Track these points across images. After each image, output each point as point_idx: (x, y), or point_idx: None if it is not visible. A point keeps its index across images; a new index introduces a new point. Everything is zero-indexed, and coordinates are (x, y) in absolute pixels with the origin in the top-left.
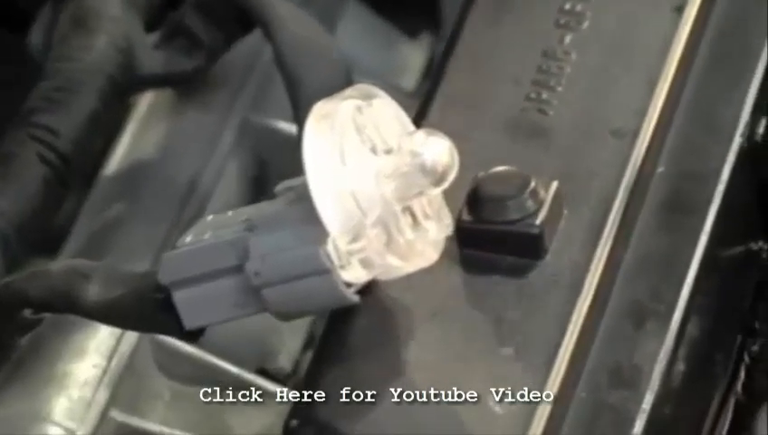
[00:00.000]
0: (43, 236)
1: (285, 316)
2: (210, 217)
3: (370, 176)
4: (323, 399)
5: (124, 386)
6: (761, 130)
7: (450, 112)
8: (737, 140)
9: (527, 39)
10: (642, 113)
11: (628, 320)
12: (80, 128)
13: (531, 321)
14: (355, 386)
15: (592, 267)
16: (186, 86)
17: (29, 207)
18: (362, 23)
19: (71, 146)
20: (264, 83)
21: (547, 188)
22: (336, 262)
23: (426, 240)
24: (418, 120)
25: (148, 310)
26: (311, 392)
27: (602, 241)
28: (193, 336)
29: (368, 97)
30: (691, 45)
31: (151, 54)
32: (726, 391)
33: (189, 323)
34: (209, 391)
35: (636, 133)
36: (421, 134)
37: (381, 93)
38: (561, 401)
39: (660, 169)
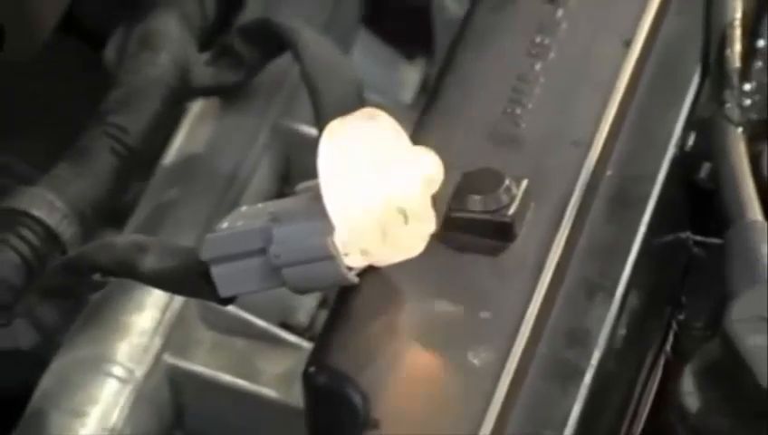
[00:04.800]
0: (112, 213)
1: (300, 291)
2: (244, 208)
3: (372, 183)
4: (336, 349)
5: (174, 334)
6: (690, 142)
7: (442, 123)
8: (671, 150)
9: (505, 65)
10: (596, 127)
11: (581, 292)
12: (145, 127)
13: (503, 291)
14: (361, 340)
15: (553, 250)
16: (229, 95)
17: (102, 191)
18: (371, 47)
19: (137, 141)
20: (293, 94)
21: (518, 185)
22: (339, 251)
23: (413, 235)
24: (417, 129)
25: (192, 280)
26: (326, 344)
27: (561, 229)
28: (226, 301)
29: (372, 118)
30: (636, 72)
31: (203, 69)
32: (658, 352)
33: (224, 292)
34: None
35: (590, 143)
36: (416, 151)
37: (383, 114)
38: (526, 356)
39: (609, 173)
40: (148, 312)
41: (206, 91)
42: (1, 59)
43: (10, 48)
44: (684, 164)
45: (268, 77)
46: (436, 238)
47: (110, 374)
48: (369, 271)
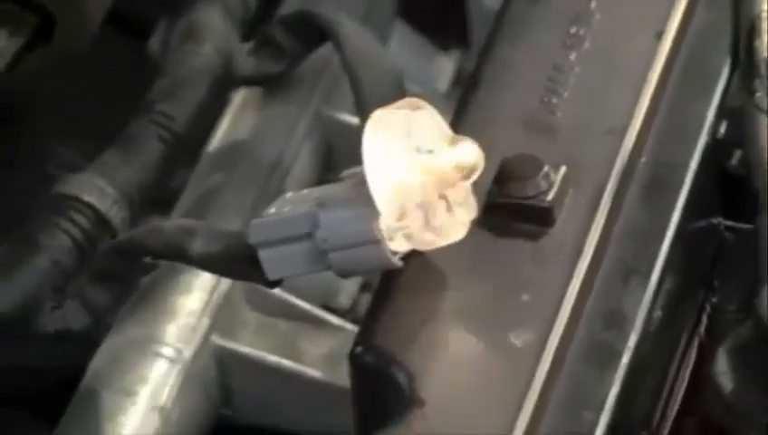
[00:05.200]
0: (160, 199)
1: (346, 275)
2: (289, 194)
3: (415, 170)
4: (381, 330)
5: (221, 316)
6: (722, 130)
7: (480, 113)
8: (703, 138)
9: (540, 55)
10: (630, 115)
11: (618, 276)
12: (190, 114)
13: (543, 275)
14: (405, 322)
15: (590, 235)
16: (272, 85)
17: (150, 177)
18: (406, 39)
19: (183, 128)
20: (334, 83)
21: (557, 172)
22: (384, 235)
23: (455, 221)
24: (456, 119)
25: (240, 263)
26: (371, 325)
27: (599, 214)
28: (273, 284)
29: (415, 108)
30: (668, 63)
31: (246, 60)
32: (692, 334)
33: (271, 275)
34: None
35: (624, 131)
36: (456, 139)
37: (426, 105)
38: (566, 337)
39: (644, 160)
40: (196, 293)
41: (248, 81)
42: (51, 50)
43: (61, 39)
44: (716, 151)
45: (309, 67)
46: (477, 223)
47: (159, 354)
48: (412, 255)
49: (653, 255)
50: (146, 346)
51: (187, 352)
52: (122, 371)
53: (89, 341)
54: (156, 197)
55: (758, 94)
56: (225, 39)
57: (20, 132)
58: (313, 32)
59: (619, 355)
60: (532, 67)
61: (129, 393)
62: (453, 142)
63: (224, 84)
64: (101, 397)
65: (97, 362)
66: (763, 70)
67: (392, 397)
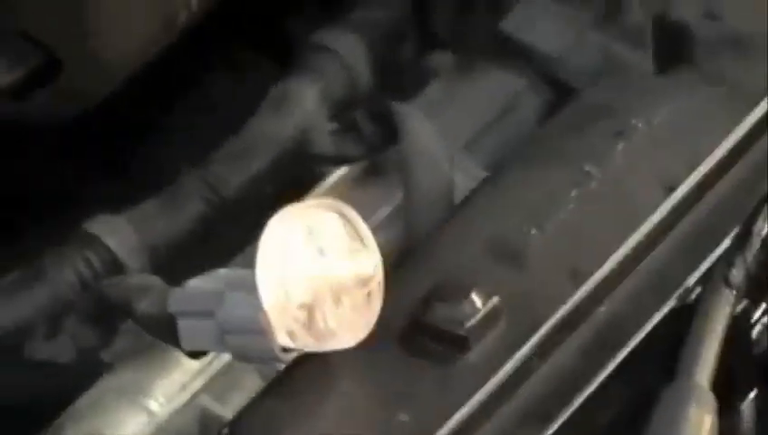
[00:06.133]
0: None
1: (243, 360)
2: (223, 270)
3: (307, 270)
4: (246, 424)
5: (219, 379)
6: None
7: (461, 225)
8: (672, 301)
9: (541, 186)
10: (599, 264)
11: (515, 419)
12: (245, 181)
13: (433, 401)
14: (271, 422)
15: (499, 373)
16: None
17: (182, 233)
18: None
19: (233, 193)
20: None
21: (486, 301)
22: (272, 328)
23: (347, 328)
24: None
25: (168, 330)
26: (243, 414)
27: (518, 354)
28: (194, 355)
29: (330, 209)
30: (668, 219)
31: (326, 139)
32: None
33: (185, 345)
34: None
35: (586, 278)
36: (357, 249)
37: (343, 209)
38: None
39: (602, 309)
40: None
41: (324, 160)
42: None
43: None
44: (679, 316)
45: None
46: (395, 337)
47: (139, 405)
48: (313, 355)
49: (561, 405)
50: (130, 394)
51: (170, 408)
52: (98, 413)
53: (72, 376)
54: (194, 254)
55: (735, 270)
56: (310, 117)
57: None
58: (390, 124)
59: None
60: (528, 193)
61: (96, 434)
62: (353, 252)
63: (294, 159)
64: (63, 433)
65: (81, 400)
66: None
67: None
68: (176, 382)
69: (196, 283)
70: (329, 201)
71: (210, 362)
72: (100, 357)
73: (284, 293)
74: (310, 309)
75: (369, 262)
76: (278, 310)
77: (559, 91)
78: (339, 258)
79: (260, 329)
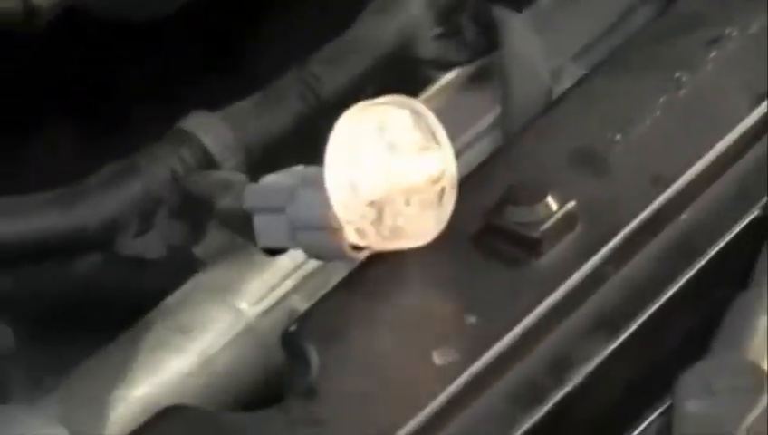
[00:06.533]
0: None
1: (314, 257)
2: (299, 167)
3: (376, 167)
4: (316, 318)
5: (309, 281)
6: None
7: (546, 127)
8: (755, 211)
9: (630, 92)
10: (683, 170)
11: (586, 325)
12: (343, 81)
13: (503, 305)
14: (340, 317)
15: (571, 279)
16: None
17: (278, 131)
18: None
19: (330, 93)
20: None
21: (562, 205)
22: (340, 226)
23: (415, 227)
24: (525, 126)
25: (246, 225)
26: (312, 311)
27: (592, 260)
28: (272, 253)
29: (401, 105)
30: (752, 130)
31: (429, 43)
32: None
33: (261, 242)
34: None
35: (669, 184)
36: (428, 146)
37: (413, 105)
38: (492, 370)
39: (684, 217)
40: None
41: (428, 64)
42: None
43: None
44: (762, 226)
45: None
46: (468, 240)
47: (228, 304)
48: (384, 255)
49: (634, 314)
50: (220, 293)
51: (258, 308)
52: (187, 310)
53: (160, 271)
54: (290, 153)
55: None
56: (415, 21)
57: None
58: (493, 29)
59: (547, 402)
60: (617, 100)
61: (183, 332)
62: (423, 149)
63: (398, 61)
64: (152, 328)
65: (171, 297)
66: None
67: (299, 379)
68: (266, 283)
69: (271, 178)
70: (400, 98)
71: (301, 265)
72: (192, 254)
73: (353, 190)
74: (379, 207)
75: (440, 159)
76: (346, 207)
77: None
78: (409, 155)
79: (328, 226)
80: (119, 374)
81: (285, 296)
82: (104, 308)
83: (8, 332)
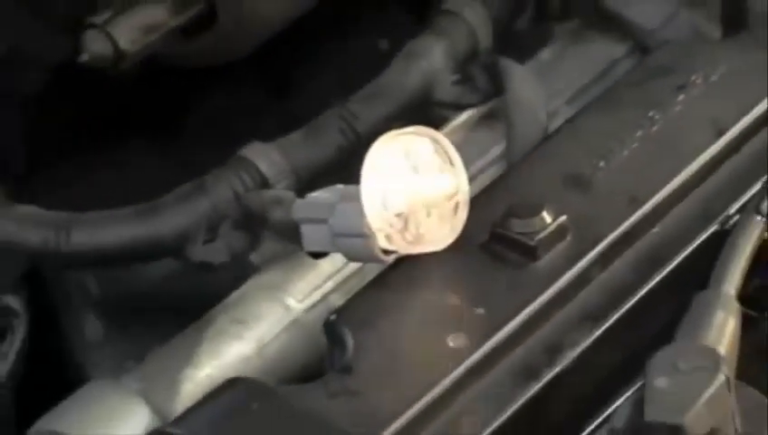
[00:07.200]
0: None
1: (351, 259)
2: (339, 186)
3: (403, 185)
4: (353, 310)
5: (347, 282)
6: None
7: (542, 155)
8: (714, 226)
9: (612, 127)
10: (654, 192)
11: (574, 316)
12: (375, 118)
13: (507, 298)
14: (374, 309)
15: (563, 278)
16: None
17: (322, 160)
18: None
19: (364, 128)
20: None
21: (555, 218)
22: (373, 233)
23: (434, 235)
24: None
25: (296, 234)
26: (350, 304)
27: (579, 264)
28: (316, 256)
29: (424, 135)
30: (715, 158)
31: (448, 88)
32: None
33: (306, 247)
34: None
35: (643, 203)
36: (444, 168)
37: (432, 134)
38: (497, 350)
39: (655, 230)
40: (331, 259)
41: (446, 106)
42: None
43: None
44: (720, 238)
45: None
46: (479, 246)
47: (279, 300)
48: (408, 259)
49: (614, 309)
50: (272, 291)
51: (304, 305)
52: (243, 305)
53: (224, 276)
54: (330, 178)
55: (765, 202)
56: (436, 69)
57: None
58: (498, 75)
59: (541, 380)
60: (600, 133)
61: (241, 323)
62: (441, 170)
63: (420, 104)
64: (215, 320)
65: (231, 296)
66: None
67: (338, 358)
68: (311, 283)
69: (316, 194)
70: (423, 128)
71: (341, 269)
72: (249, 260)
73: (384, 203)
74: (405, 218)
75: (455, 178)
76: (378, 217)
77: None
78: (430, 176)
79: (362, 233)
80: (188, 357)
81: (328, 294)
82: (177, 304)
83: (97, 324)
